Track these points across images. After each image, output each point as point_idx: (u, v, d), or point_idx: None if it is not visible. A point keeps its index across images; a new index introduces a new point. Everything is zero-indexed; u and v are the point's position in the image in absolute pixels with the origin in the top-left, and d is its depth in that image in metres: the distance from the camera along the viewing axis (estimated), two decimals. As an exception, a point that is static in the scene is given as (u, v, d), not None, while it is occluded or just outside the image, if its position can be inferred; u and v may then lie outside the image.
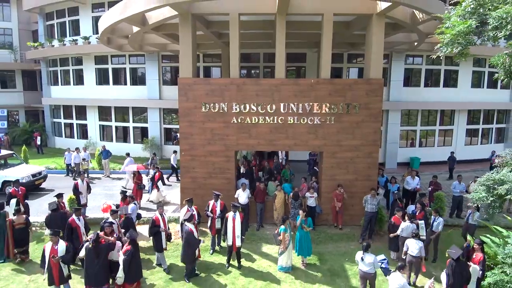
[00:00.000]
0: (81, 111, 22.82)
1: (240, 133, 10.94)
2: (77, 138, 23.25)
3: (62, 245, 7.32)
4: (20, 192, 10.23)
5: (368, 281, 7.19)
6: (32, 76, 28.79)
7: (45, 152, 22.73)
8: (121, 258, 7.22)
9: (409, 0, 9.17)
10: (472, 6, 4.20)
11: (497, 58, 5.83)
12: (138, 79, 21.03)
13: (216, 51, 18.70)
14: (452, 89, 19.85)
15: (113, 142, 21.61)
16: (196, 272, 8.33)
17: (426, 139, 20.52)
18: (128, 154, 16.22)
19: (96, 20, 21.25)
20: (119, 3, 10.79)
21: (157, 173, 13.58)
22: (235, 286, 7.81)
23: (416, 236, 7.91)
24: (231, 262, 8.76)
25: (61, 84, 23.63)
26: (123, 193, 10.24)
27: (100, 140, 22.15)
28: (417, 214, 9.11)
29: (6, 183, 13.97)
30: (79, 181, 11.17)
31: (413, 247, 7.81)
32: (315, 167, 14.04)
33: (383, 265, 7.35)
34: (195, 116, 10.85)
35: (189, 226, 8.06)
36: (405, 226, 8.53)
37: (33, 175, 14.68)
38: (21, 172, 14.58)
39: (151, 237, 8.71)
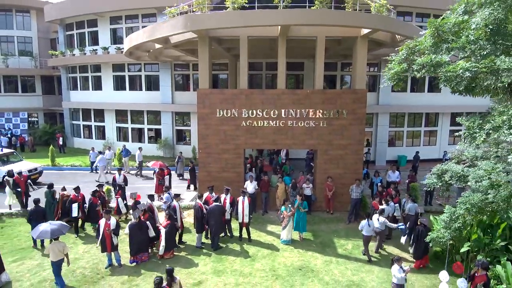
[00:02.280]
0: (99, 114, 25.02)
1: (248, 134, 13.11)
2: (95, 139, 25.46)
3: (113, 220, 9.47)
4: (79, 197, 11.42)
5: (378, 236, 10.07)
6: (50, 81, 30.98)
7: (66, 151, 24.90)
8: (163, 231, 9.41)
9: (385, 27, 11.38)
10: (404, 55, 6.35)
11: (444, 79, 7.94)
12: (152, 85, 23.20)
13: (223, 61, 20.88)
14: (436, 94, 22.04)
15: (129, 142, 23.75)
16: (220, 245, 10.48)
17: (412, 139, 22.70)
18: (100, 152, 18.40)
19: (113, 31, 23.54)
20: (148, 27, 13.00)
21: (165, 170, 15.46)
22: (247, 253, 10.05)
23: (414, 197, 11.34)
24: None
25: (80, 89, 25.83)
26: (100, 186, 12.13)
27: (117, 140, 24.34)
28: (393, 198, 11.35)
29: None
30: (116, 174, 13.33)
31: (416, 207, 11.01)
32: (311, 164, 16.24)
33: (401, 227, 9.99)
34: (211, 120, 13.03)
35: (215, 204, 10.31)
36: (387, 209, 10.76)
37: (29, 171, 16.61)
38: (19, 168, 16.41)
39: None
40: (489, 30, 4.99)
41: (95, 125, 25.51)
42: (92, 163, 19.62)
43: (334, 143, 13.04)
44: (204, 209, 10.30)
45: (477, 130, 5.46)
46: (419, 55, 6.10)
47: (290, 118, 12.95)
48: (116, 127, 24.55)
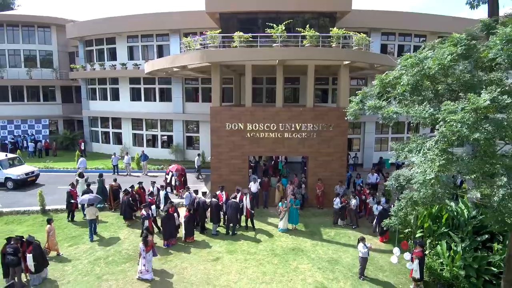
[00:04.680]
0: (117, 121, 27.87)
1: (252, 144, 15.95)
2: (113, 144, 28.30)
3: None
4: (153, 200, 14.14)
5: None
6: (69, 91, 33.80)
7: (87, 155, 27.67)
8: (183, 220, 12.31)
9: (361, 59, 14.23)
10: (360, 98, 9.15)
11: (382, 117, 10.62)
12: (165, 97, 26.03)
13: (229, 76, 23.67)
14: (417, 104, 24.84)
15: (143, 147, 26.56)
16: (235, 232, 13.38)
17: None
18: (81, 155, 21.29)
19: (130, 48, 26.37)
20: (169, 56, 15.88)
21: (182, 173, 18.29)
22: (253, 238, 12.94)
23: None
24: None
25: (99, 99, 28.68)
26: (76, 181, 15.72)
27: (133, 145, 27.19)
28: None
29: (7, 179, 18.79)
30: (154, 188, 15.27)
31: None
32: (305, 167, 19.12)
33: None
34: (222, 132, 15.86)
35: (233, 200, 13.27)
36: (353, 202, 13.67)
37: (26, 174, 19.25)
38: (18, 171, 19.21)
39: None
40: (409, 87, 7.79)
41: (112, 132, 28.35)
42: (114, 166, 22.44)
43: (323, 151, 15.87)
44: (222, 203, 13.24)
45: (401, 151, 8.29)
46: (370, 99, 8.91)
47: (286, 131, 15.78)
48: (132, 133, 27.40)
